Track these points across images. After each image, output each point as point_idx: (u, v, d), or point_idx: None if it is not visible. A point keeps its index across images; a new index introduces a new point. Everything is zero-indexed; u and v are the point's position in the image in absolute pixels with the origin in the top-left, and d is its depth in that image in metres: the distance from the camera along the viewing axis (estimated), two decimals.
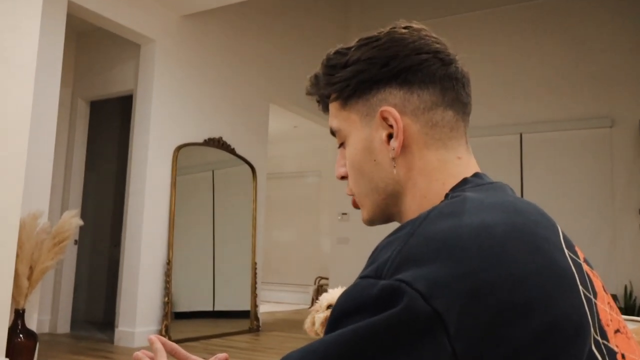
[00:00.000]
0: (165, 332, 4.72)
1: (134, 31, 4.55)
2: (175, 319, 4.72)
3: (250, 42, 5.91)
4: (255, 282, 5.70)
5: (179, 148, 4.94)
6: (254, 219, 5.82)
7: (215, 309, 5.41)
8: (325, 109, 0.87)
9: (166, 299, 4.65)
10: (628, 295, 5.35)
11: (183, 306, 4.97)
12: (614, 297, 5.50)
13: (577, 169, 6.08)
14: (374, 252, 0.64)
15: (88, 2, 4.19)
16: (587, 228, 5.83)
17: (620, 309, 5.54)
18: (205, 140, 5.28)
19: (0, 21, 3.25)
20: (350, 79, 0.81)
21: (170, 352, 0.93)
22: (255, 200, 5.85)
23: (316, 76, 0.87)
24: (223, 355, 0.95)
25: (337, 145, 0.83)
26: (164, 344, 0.93)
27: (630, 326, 1.75)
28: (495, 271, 0.56)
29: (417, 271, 0.56)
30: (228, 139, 5.52)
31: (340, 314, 0.61)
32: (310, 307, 7.40)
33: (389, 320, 0.55)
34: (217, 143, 5.40)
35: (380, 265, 0.60)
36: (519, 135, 6.48)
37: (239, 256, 5.69)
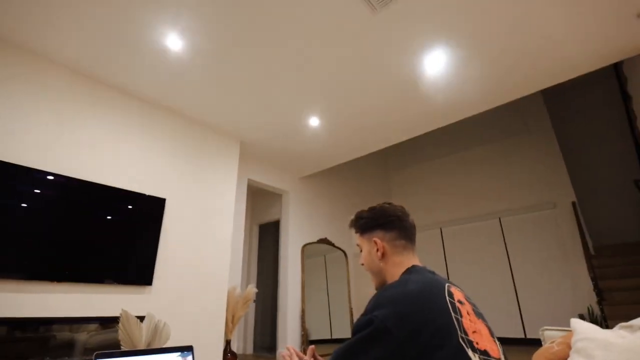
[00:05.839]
0: (303, 351, 4.50)
1: (278, 188, 5.08)
2: (309, 343, 4.62)
3: (335, 189, 6.23)
4: (351, 313, 5.46)
5: (304, 245, 5.19)
6: (348, 280, 5.75)
7: (332, 337, 5.18)
8: (356, 233, 0.96)
9: (302, 332, 4.64)
10: (520, 314, 4.91)
11: (313, 336, 4.86)
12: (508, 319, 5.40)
13: (477, 247, 5.82)
14: (368, 302, 0.70)
15: (256, 177, 4.80)
16: (486, 282, 5.49)
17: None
18: (318, 240, 5.50)
19: (217, 190, 3.73)
20: (363, 225, 0.90)
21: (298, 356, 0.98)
22: (348, 271, 5.82)
23: (352, 220, 0.95)
24: (312, 346, 0.96)
25: (360, 251, 0.91)
26: (296, 352, 0.96)
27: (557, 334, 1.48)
28: (411, 309, 0.62)
29: (379, 310, 0.64)
30: (330, 238, 5.73)
31: (353, 331, 0.70)
32: None
33: (368, 333, 0.63)
34: (324, 240, 5.59)
35: (367, 309, 0.68)
36: (439, 229, 6.44)
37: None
